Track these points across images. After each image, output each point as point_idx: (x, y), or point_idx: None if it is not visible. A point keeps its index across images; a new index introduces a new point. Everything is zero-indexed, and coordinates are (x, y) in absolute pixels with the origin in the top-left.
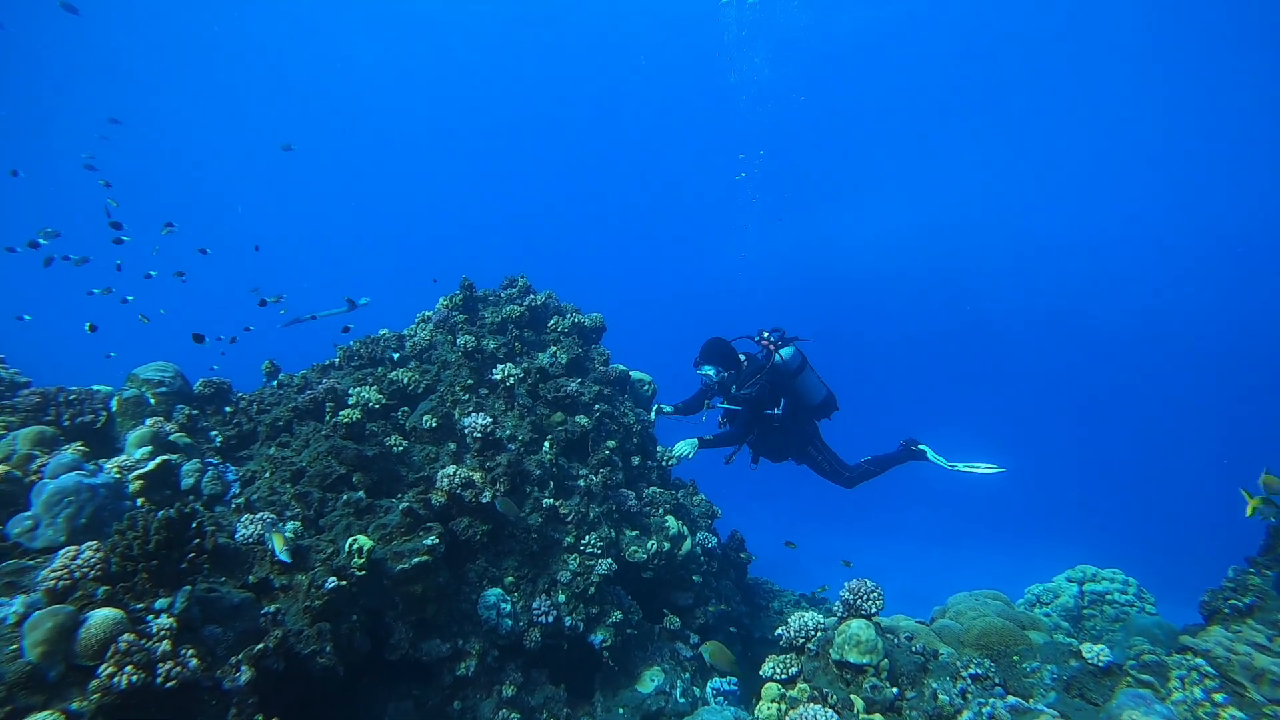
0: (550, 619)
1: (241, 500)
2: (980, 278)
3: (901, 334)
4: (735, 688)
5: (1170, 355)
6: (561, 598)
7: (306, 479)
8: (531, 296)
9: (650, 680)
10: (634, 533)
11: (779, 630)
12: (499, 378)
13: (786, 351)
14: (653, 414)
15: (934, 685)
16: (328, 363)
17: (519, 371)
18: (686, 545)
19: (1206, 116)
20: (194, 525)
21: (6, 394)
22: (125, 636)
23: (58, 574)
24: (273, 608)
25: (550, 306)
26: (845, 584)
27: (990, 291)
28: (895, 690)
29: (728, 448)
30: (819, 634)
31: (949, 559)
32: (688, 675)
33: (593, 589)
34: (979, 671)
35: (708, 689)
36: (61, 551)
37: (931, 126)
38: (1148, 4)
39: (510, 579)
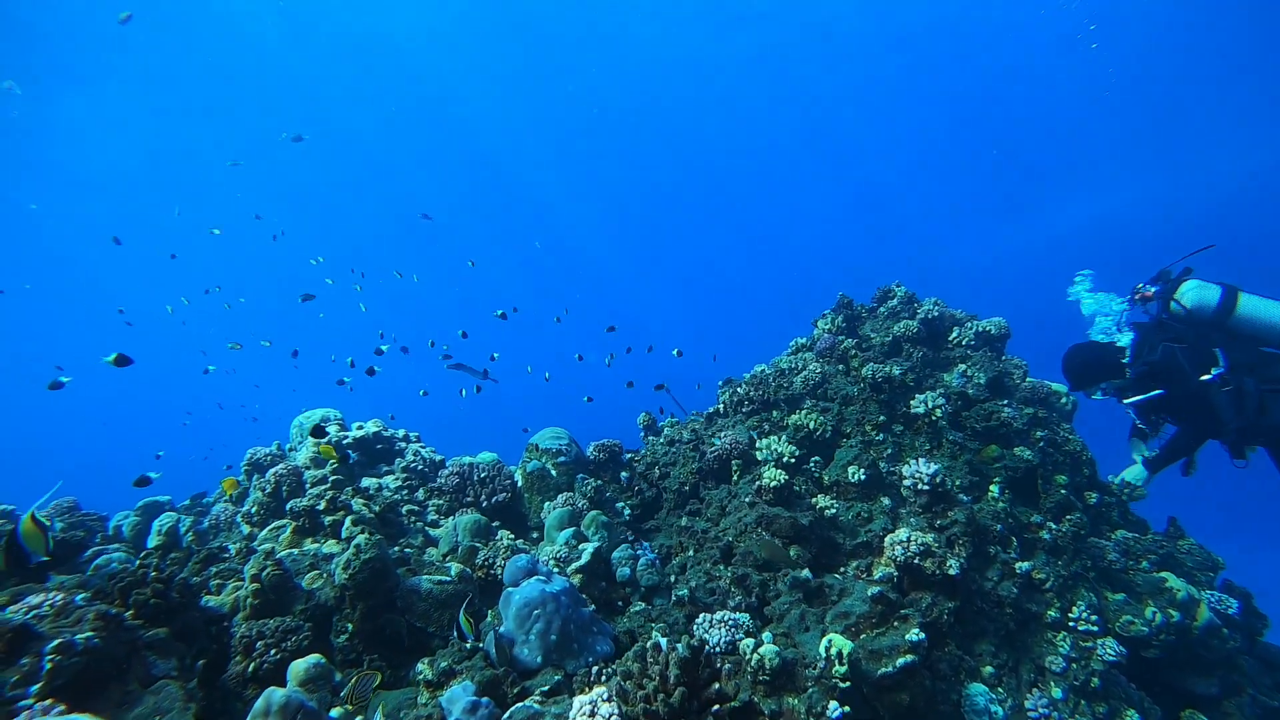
0: None
1: (684, 592)
2: None
3: None
4: None
5: None
6: (1058, 692)
7: (739, 558)
8: (926, 307)
9: None
10: (1118, 596)
11: None
12: (921, 411)
13: (1190, 290)
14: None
15: None
16: (712, 410)
17: (943, 401)
18: (1202, 613)
19: None
20: (704, 660)
21: (430, 473)
22: None
23: None
24: None
25: (946, 316)
26: None
27: None
28: None
29: (1181, 456)
30: None
31: None
32: None
33: (1096, 680)
34: None
35: None
36: (578, 707)
37: None
38: None
39: (989, 669)
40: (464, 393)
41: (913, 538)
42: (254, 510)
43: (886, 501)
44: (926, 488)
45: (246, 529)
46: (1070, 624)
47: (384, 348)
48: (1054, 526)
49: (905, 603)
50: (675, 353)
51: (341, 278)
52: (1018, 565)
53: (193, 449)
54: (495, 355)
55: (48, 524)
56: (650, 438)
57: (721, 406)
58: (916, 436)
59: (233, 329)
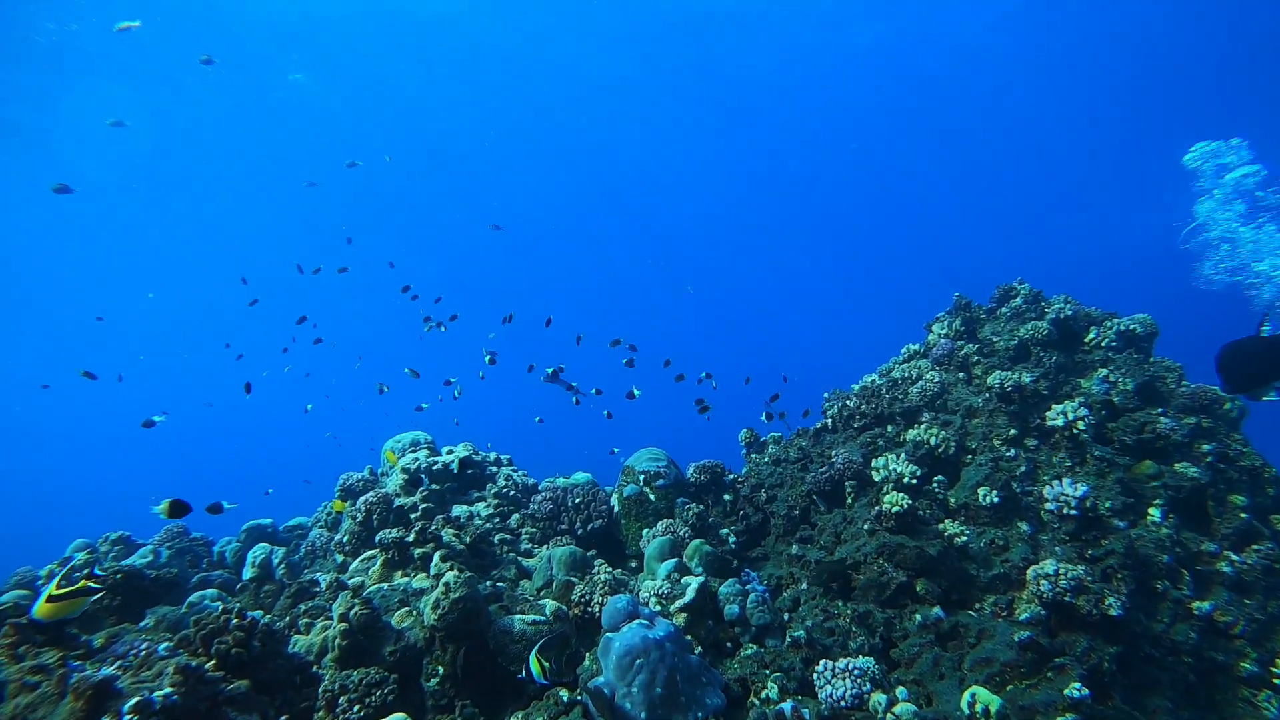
0: None
1: (801, 634)
2: None
3: None
4: None
5: None
6: None
7: (859, 592)
8: (1057, 306)
9: None
10: None
11: None
12: (1060, 423)
13: None
14: None
15: None
16: (820, 425)
17: (1086, 411)
18: None
19: None
20: None
21: (523, 498)
22: None
23: None
24: None
25: (1080, 315)
26: None
27: None
28: None
29: None
30: None
31: None
32: None
33: None
34: None
35: None
36: None
37: None
38: None
39: None
40: (578, 401)
41: (1061, 570)
42: (346, 539)
43: (1024, 527)
44: (1074, 512)
45: (340, 558)
46: (1276, 680)
47: (482, 375)
48: (1235, 558)
49: (1057, 647)
50: (784, 379)
51: (425, 302)
52: (1194, 605)
53: (309, 472)
54: (573, 383)
55: (80, 582)
56: (754, 456)
57: (829, 421)
58: (1055, 452)
59: (338, 362)
